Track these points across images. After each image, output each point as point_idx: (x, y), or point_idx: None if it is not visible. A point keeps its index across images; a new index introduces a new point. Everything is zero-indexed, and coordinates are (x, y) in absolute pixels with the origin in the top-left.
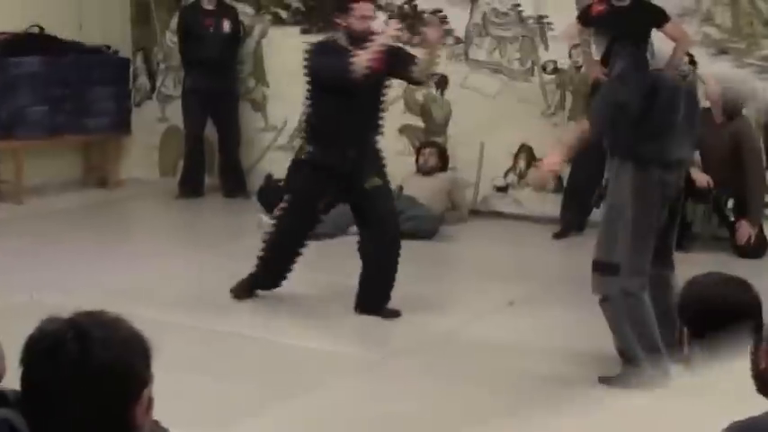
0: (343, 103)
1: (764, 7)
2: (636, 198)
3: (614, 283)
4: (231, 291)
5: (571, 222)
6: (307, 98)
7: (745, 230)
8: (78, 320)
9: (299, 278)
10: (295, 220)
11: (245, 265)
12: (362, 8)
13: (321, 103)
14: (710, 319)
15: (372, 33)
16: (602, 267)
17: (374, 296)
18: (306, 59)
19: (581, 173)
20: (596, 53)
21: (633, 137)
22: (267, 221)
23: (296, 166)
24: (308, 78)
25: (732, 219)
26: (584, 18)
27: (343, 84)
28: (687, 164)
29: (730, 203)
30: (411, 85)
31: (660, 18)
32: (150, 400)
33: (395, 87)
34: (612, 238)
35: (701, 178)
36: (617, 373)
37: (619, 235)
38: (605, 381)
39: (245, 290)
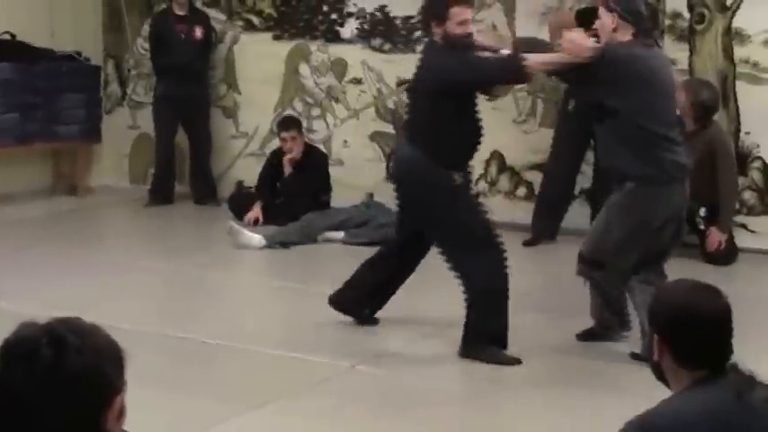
0: (472, 108)
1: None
2: (630, 213)
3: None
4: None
5: (543, 230)
6: (427, 110)
7: (716, 237)
8: (54, 326)
9: (268, 286)
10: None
11: (215, 274)
12: (461, 13)
13: (453, 115)
14: (681, 326)
15: (470, 37)
16: (588, 262)
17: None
18: (441, 62)
19: (554, 181)
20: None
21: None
22: (237, 228)
23: (447, 192)
24: (438, 84)
25: (702, 227)
26: (583, 18)
27: (506, 82)
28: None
29: (702, 211)
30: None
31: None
32: (122, 408)
33: (367, 94)
34: (604, 239)
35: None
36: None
37: (611, 237)
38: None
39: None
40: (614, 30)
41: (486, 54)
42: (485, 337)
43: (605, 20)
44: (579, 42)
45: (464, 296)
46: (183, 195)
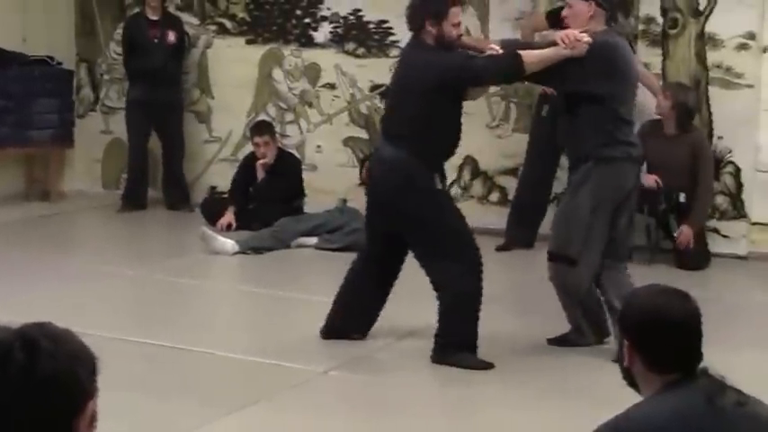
0: (459, 111)
1: None
2: (588, 196)
3: (567, 273)
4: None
5: (519, 239)
6: (419, 113)
7: (687, 235)
8: (27, 331)
9: (241, 292)
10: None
11: (188, 280)
12: (457, 14)
13: (446, 116)
14: (651, 330)
15: (460, 39)
16: (559, 259)
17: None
18: (443, 63)
19: (529, 187)
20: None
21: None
22: (210, 234)
23: (429, 194)
24: (436, 82)
25: (676, 234)
26: (554, 19)
27: (503, 80)
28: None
29: (682, 197)
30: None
31: None
32: (94, 414)
33: (340, 99)
34: (572, 233)
35: (649, 179)
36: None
37: (578, 230)
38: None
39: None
40: (590, 17)
41: (477, 54)
42: (457, 342)
43: (580, 7)
44: (577, 37)
45: (437, 301)
46: (156, 201)
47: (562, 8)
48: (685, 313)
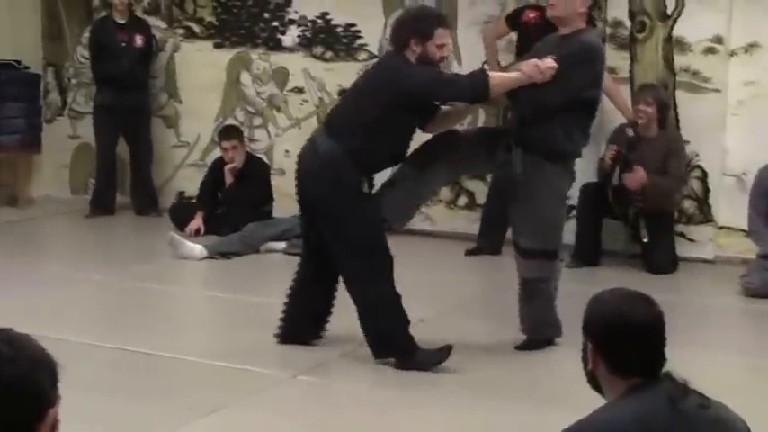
0: (412, 126)
1: None
2: (558, 191)
3: (551, 267)
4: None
5: (489, 246)
6: (366, 123)
7: (638, 174)
8: None
9: (209, 297)
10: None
11: (156, 285)
12: (444, 36)
13: (397, 127)
14: (615, 334)
15: (444, 62)
16: (540, 254)
17: None
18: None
19: (498, 192)
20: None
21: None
22: (178, 239)
23: (354, 195)
24: (392, 97)
25: (645, 239)
26: (513, 21)
27: (470, 100)
28: None
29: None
30: None
31: None
32: (56, 420)
33: (308, 103)
34: (548, 223)
35: (633, 180)
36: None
37: (552, 223)
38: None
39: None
40: (579, 14)
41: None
42: (388, 344)
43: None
44: (542, 67)
45: (357, 307)
46: (125, 206)
47: (521, 10)
48: (649, 317)
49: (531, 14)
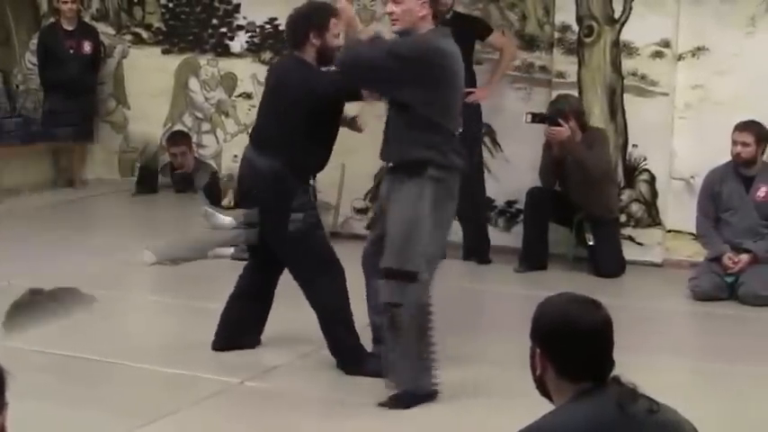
0: (332, 128)
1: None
2: (437, 206)
3: (411, 290)
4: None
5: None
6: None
7: (563, 129)
8: None
9: (157, 303)
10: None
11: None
12: (337, 24)
13: (320, 132)
14: (561, 338)
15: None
16: (398, 275)
17: None
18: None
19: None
20: None
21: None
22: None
23: (302, 211)
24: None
25: (591, 242)
26: None
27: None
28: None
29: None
30: None
31: (483, 30)
32: (3, 428)
33: (256, 108)
34: (411, 246)
35: (560, 131)
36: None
37: (417, 243)
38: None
39: None
40: (422, 18)
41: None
42: (350, 351)
43: (411, 5)
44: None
45: (319, 317)
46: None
47: None
48: (595, 321)
49: None
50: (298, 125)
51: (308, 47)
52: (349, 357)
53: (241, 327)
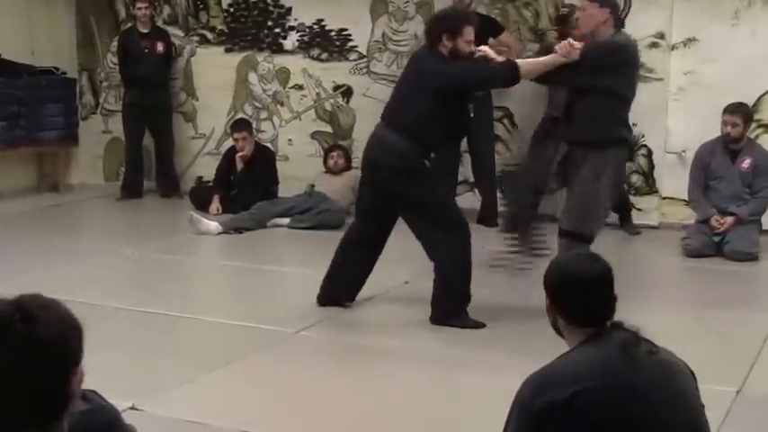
0: (462, 110)
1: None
2: (615, 175)
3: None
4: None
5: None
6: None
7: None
8: (22, 303)
9: (223, 266)
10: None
11: (178, 257)
12: (470, 32)
13: (449, 114)
14: (563, 289)
15: (474, 55)
16: (578, 238)
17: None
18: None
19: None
20: None
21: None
22: (197, 218)
23: (422, 177)
24: (442, 86)
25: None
26: (561, 22)
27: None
28: None
29: None
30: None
31: (497, 29)
32: (82, 372)
33: (307, 98)
34: (591, 213)
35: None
36: None
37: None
38: None
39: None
40: (604, 23)
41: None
42: (452, 304)
43: (593, 11)
44: (571, 45)
45: (434, 269)
46: (151, 190)
47: (566, 14)
48: (593, 272)
49: None
50: (424, 106)
51: (440, 47)
52: (456, 308)
53: (343, 286)
